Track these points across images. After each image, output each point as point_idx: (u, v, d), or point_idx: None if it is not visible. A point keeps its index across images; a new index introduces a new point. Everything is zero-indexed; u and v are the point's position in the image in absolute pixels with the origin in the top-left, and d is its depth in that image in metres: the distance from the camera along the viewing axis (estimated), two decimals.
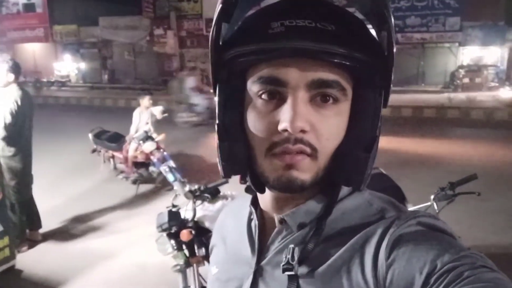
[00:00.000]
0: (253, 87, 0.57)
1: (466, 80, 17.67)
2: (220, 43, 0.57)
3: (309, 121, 0.54)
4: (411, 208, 2.07)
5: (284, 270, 0.56)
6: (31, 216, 4.23)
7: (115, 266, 3.76)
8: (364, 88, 0.57)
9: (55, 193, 5.55)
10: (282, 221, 0.62)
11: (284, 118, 0.53)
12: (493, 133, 9.97)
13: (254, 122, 0.57)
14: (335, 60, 0.53)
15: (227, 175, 0.61)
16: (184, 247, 2.54)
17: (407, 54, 19.28)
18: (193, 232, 2.49)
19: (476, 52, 19.36)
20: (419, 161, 7.33)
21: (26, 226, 4.20)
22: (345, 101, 0.56)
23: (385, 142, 8.21)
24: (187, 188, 2.71)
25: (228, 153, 0.60)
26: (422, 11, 18.58)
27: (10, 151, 3.94)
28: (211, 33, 0.57)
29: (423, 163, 7.12)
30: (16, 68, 3.93)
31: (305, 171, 0.55)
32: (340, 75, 0.54)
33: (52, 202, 5.14)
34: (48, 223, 4.52)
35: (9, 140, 3.89)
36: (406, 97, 14.45)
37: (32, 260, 3.83)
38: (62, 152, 7.98)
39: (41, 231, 4.36)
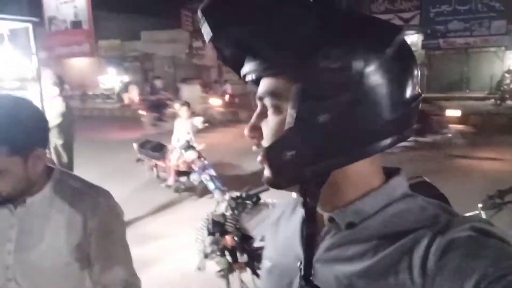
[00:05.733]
0: None
1: None
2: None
3: (258, 128, 0.65)
4: None
5: (322, 266, 0.61)
6: None
7: (158, 272, 3.87)
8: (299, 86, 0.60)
9: None
10: (331, 220, 0.65)
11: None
12: None
13: None
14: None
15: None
16: (226, 253, 2.59)
17: (450, 59, 18.68)
18: (235, 238, 2.54)
19: None
20: (465, 169, 7.07)
21: None
22: (282, 106, 0.62)
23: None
24: (227, 196, 2.76)
25: None
26: (465, 15, 17.93)
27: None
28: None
29: (469, 171, 6.86)
30: (60, 82, 4.19)
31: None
32: (275, 84, 0.61)
33: None
34: None
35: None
36: (450, 104, 13.97)
37: None
38: (107, 162, 8.31)
39: None
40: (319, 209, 0.67)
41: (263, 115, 0.64)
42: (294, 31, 0.57)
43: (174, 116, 11.53)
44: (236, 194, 2.69)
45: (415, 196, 0.63)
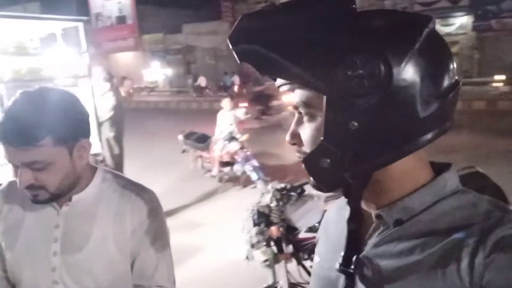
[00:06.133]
0: None
1: None
2: None
3: (297, 135, 0.68)
4: None
5: (365, 262, 0.64)
6: None
7: (203, 260, 3.97)
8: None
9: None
10: (379, 217, 0.65)
11: None
12: None
13: None
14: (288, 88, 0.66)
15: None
16: (272, 243, 2.61)
17: (503, 41, 17.62)
18: (281, 229, 2.55)
19: None
20: None
21: None
22: (317, 113, 0.63)
23: (480, 137, 7.60)
24: (269, 186, 2.77)
25: None
26: None
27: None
28: None
29: None
30: (110, 78, 4.38)
31: (307, 175, 0.66)
32: (305, 94, 0.63)
33: None
34: None
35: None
36: (504, 89, 13.22)
37: None
38: (154, 152, 8.59)
39: None
40: (366, 207, 0.68)
41: (300, 121, 0.67)
42: (318, 43, 0.58)
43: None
44: (280, 185, 2.70)
45: (466, 192, 0.63)
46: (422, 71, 0.56)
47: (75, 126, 1.08)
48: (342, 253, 0.68)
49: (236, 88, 19.23)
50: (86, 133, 1.12)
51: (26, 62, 3.09)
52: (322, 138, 0.60)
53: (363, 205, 0.68)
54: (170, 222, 4.62)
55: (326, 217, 0.86)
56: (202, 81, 21.96)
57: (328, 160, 0.60)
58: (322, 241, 0.83)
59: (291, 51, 0.58)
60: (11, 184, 1.21)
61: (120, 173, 1.32)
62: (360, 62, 0.55)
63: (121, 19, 26.43)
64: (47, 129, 1.02)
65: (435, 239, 0.58)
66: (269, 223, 2.59)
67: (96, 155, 3.53)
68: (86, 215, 1.16)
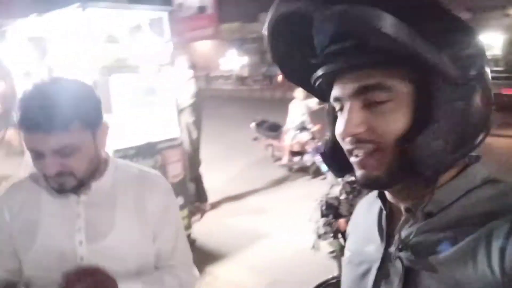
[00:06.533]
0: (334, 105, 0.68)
1: None
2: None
3: (364, 124, 0.61)
4: None
5: (398, 255, 0.63)
6: (199, 190, 4.89)
7: (269, 246, 4.05)
8: (426, 78, 0.58)
9: (219, 173, 6.17)
10: (408, 210, 0.65)
11: (338, 126, 0.64)
12: None
13: (335, 133, 0.67)
14: (363, 66, 0.60)
15: (338, 175, 0.77)
16: (339, 236, 2.61)
17: None
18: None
19: None
20: None
21: (196, 199, 4.85)
22: (399, 96, 0.59)
23: None
24: (339, 179, 2.75)
25: (331, 159, 0.73)
26: None
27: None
28: None
29: None
30: (192, 66, 4.61)
31: (376, 168, 0.61)
32: (383, 75, 0.59)
33: (215, 180, 5.73)
34: (212, 198, 5.13)
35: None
36: None
37: (201, 232, 4.37)
38: (227, 139, 8.86)
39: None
40: (395, 201, 0.69)
41: (367, 108, 0.61)
42: (423, 18, 0.56)
43: None
44: (351, 178, 2.67)
45: (497, 182, 0.63)
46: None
47: (96, 110, 1.11)
48: (372, 246, 0.71)
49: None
50: (102, 119, 1.14)
51: (115, 51, 3.33)
52: (434, 118, 0.57)
53: (392, 198, 0.69)
54: (238, 206, 4.79)
55: (356, 213, 0.87)
56: (275, 70, 22.08)
57: (442, 142, 0.57)
58: (352, 236, 0.84)
59: (411, 22, 0.54)
60: (14, 187, 1.22)
61: (128, 162, 1.35)
62: (473, 41, 0.58)
63: (201, 9, 27.33)
64: (75, 113, 1.03)
65: (465, 231, 0.57)
66: (337, 215, 2.58)
67: (173, 139, 3.72)
68: (106, 202, 1.17)
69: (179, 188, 3.76)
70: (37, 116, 1.00)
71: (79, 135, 1.04)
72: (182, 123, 4.42)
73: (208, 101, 5.19)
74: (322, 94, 0.71)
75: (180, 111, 4.32)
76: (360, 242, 0.76)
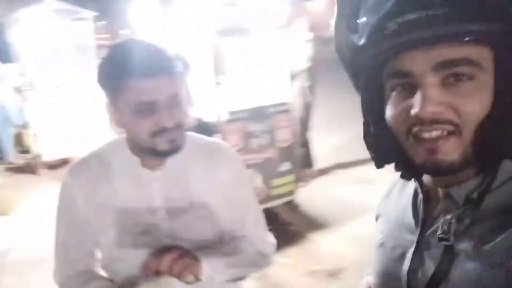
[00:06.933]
0: (387, 83, 0.63)
1: None
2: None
3: (444, 102, 0.55)
4: None
5: (440, 240, 0.60)
6: (307, 156, 4.82)
7: (373, 219, 3.87)
8: (505, 56, 0.55)
9: (330, 139, 6.06)
10: (448, 195, 0.63)
11: (416, 104, 0.56)
12: None
13: (390, 113, 0.62)
14: (450, 40, 0.54)
15: (379, 165, 0.70)
16: None
17: None
18: None
19: None
20: None
21: (303, 165, 4.81)
22: (483, 75, 0.55)
23: None
24: None
25: (375, 146, 0.69)
26: None
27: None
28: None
29: None
30: (310, 28, 4.47)
31: (451, 152, 0.57)
32: (470, 50, 0.54)
33: (325, 146, 5.61)
34: (321, 165, 5.05)
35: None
36: None
37: (307, 197, 4.33)
38: (340, 104, 8.59)
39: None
40: (434, 185, 0.67)
41: (448, 85, 0.56)
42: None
43: None
44: None
45: None
46: None
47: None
48: (407, 231, 0.70)
49: None
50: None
51: (232, 13, 3.35)
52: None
53: (430, 181, 0.68)
54: (347, 175, 4.65)
55: (387, 194, 0.85)
56: None
57: None
58: (384, 219, 0.82)
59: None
60: (79, 167, 1.15)
61: (193, 133, 1.23)
62: None
63: None
64: (176, 58, 1.03)
65: (507, 221, 0.55)
66: None
67: (284, 104, 3.70)
68: (180, 176, 1.14)
69: (287, 153, 3.77)
70: (153, 60, 0.96)
71: (182, 80, 1.05)
72: (296, 88, 4.36)
73: (321, 64, 5.00)
74: (367, 73, 0.66)
75: (295, 75, 4.26)
76: (393, 226, 0.76)
